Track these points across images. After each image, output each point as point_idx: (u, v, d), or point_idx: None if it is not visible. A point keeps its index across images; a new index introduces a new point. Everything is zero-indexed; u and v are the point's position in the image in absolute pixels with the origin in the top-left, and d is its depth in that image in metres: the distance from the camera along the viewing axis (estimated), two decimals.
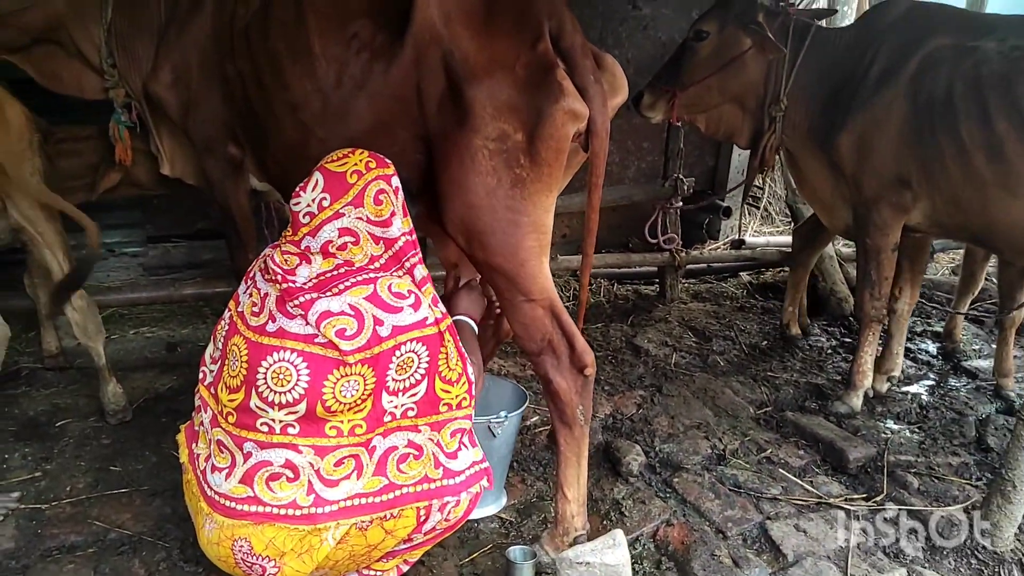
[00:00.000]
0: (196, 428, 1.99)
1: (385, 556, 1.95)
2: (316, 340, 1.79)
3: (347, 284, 1.84)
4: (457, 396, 1.93)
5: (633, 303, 4.54)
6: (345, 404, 1.80)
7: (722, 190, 5.15)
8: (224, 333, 1.95)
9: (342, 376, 1.78)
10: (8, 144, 2.53)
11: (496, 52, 1.98)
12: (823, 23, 3.39)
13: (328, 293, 1.82)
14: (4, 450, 2.73)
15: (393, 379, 1.83)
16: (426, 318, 1.86)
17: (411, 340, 1.83)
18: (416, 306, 1.86)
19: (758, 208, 6.51)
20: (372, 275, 1.87)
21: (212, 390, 1.94)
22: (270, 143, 2.42)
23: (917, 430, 3.13)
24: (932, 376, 3.67)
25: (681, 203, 4.32)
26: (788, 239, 5.18)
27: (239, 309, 1.93)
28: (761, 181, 6.51)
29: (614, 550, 1.78)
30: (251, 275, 1.99)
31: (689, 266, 4.70)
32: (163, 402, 3.14)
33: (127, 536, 2.32)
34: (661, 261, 4.48)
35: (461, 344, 1.96)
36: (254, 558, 1.79)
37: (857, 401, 3.22)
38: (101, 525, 2.36)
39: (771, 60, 3.19)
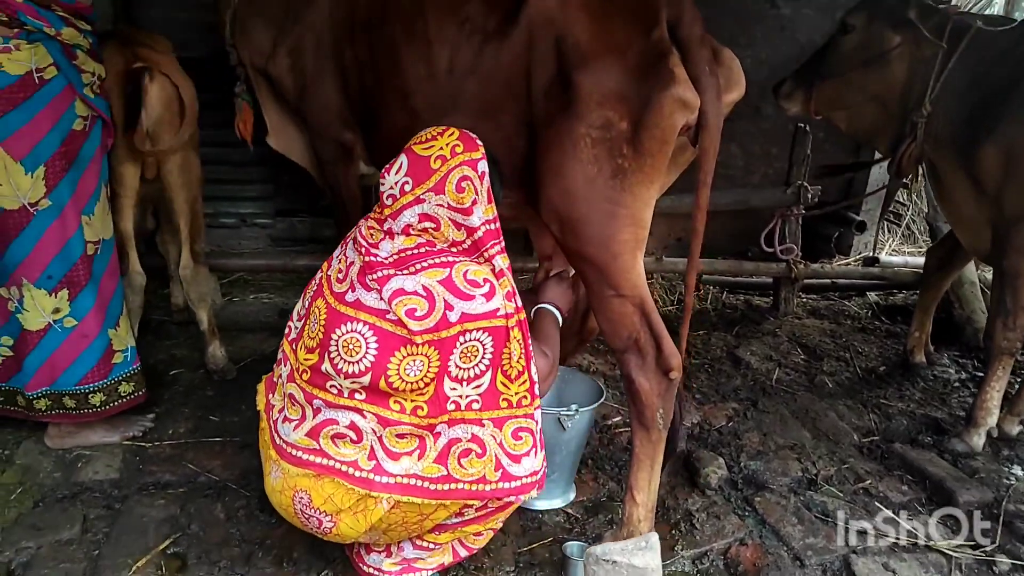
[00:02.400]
0: (275, 380, 2.08)
1: (437, 528, 1.97)
2: (387, 316, 1.81)
3: (424, 264, 1.86)
4: (516, 394, 1.90)
5: (742, 313, 4.33)
6: (408, 383, 1.82)
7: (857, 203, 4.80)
8: (312, 293, 2.01)
9: (408, 355, 1.80)
10: (169, 114, 2.69)
11: (609, 38, 1.95)
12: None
13: (405, 271, 1.85)
14: None
15: (456, 365, 1.84)
16: (497, 309, 1.85)
17: (478, 329, 1.83)
18: (489, 296, 1.84)
19: (899, 225, 6.03)
20: (451, 259, 1.88)
21: (293, 346, 2.02)
22: (381, 129, 2.48)
23: None
24: None
25: (803, 211, 4.06)
26: None
27: (327, 272, 1.99)
28: (905, 196, 6.03)
29: (644, 553, 1.69)
30: (346, 242, 2.05)
31: (810, 280, 4.43)
32: (267, 363, 3.23)
33: (214, 481, 2.48)
34: (776, 272, 4.24)
35: (539, 337, 1.91)
36: (312, 511, 1.86)
37: (978, 440, 2.91)
38: (193, 468, 2.54)
39: (919, 62, 2.92)
